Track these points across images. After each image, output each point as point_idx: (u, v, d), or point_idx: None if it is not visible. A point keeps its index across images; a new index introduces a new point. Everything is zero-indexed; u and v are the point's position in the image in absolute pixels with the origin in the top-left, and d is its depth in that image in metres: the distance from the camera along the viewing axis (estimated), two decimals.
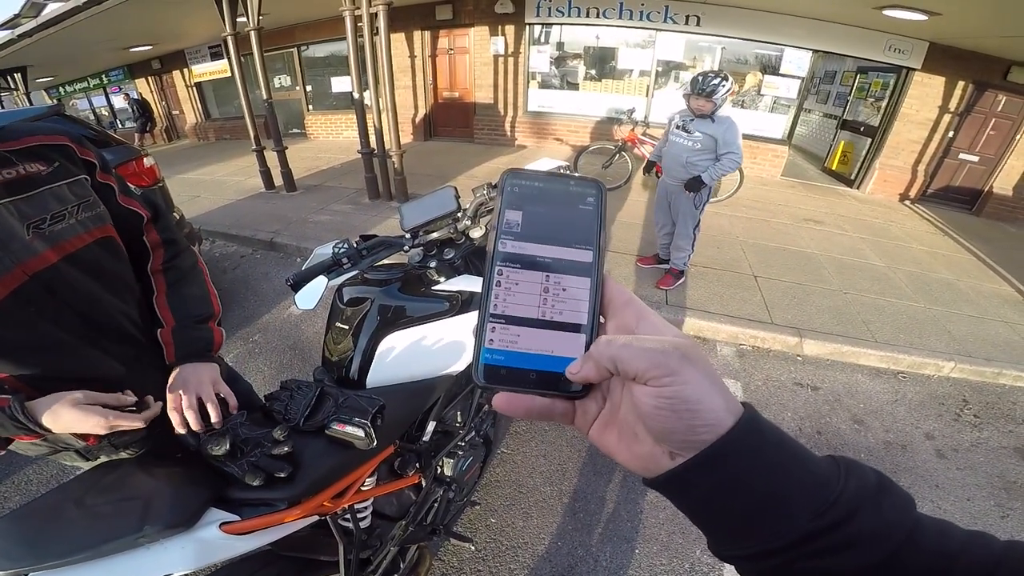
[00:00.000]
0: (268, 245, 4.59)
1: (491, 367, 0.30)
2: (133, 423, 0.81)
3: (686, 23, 6.84)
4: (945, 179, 7.33)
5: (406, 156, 5.33)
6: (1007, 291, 4.45)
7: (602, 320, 0.32)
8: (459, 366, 1.22)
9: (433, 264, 1.33)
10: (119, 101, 13.67)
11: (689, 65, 7.33)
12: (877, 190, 7.46)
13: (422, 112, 9.00)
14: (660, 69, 7.42)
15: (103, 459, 0.98)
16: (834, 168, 8.39)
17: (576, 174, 0.35)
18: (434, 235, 1.36)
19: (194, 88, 11.88)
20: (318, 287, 1.16)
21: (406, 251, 1.35)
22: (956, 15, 4.71)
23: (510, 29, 7.68)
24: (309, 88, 10.10)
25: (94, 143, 1.00)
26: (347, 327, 1.19)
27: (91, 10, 6.01)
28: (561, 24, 7.55)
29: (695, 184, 3.19)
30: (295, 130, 10.73)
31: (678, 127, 3.23)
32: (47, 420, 0.77)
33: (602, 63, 7.78)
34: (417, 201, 1.45)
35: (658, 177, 3.65)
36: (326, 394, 1.01)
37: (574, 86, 8.01)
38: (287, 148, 5.96)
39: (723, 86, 2.95)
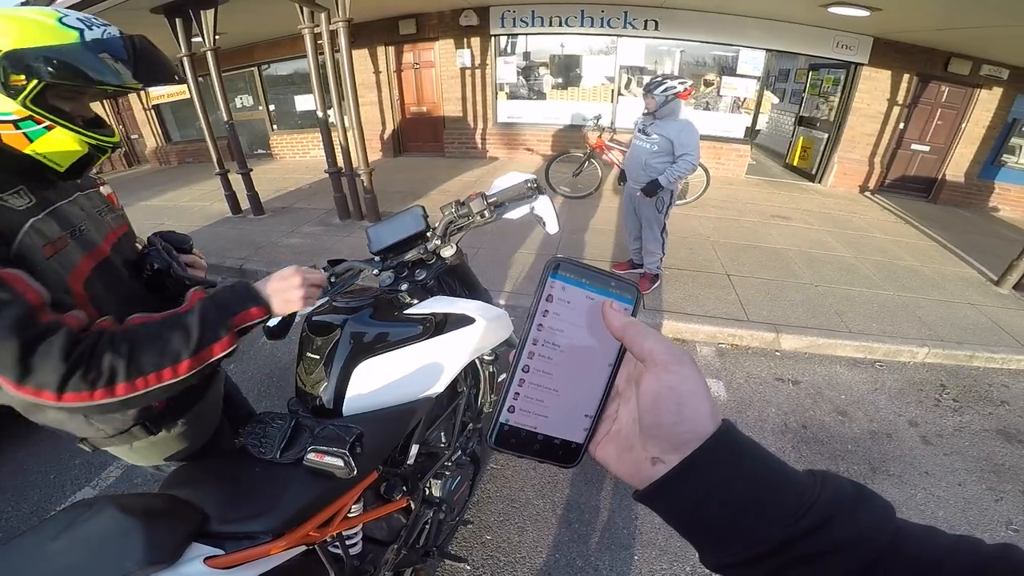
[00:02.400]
0: (238, 272, 4.44)
1: (504, 435, 0.33)
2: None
3: (645, 28, 6.98)
4: (900, 169, 7.65)
5: (376, 174, 5.27)
6: (970, 273, 4.65)
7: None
8: (438, 387, 1.19)
9: (404, 287, 1.30)
10: None
11: (651, 69, 7.45)
12: (838, 183, 7.71)
13: (390, 128, 8.90)
14: (623, 74, 7.53)
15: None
16: (795, 164, 8.66)
17: (618, 274, 0.36)
18: (404, 257, 1.34)
19: (152, 111, 11.53)
20: (288, 318, 1.14)
21: (376, 275, 1.32)
22: (895, 10, 4.93)
23: (476, 41, 7.70)
24: (272, 108, 9.89)
25: None
26: (318, 357, 1.15)
27: None
28: (526, 34, 7.59)
29: (652, 188, 3.24)
30: (260, 151, 10.48)
31: (639, 131, 3.31)
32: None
33: (568, 71, 7.84)
34: (384, 222, 1.42)
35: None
36: (301, 425, 1.00)
37: (542, 95, 8.05)
38: (252, 170, 5.81)
39: (665, 83, 3.06)
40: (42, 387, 0.75)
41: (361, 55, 8.29)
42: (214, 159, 5.78)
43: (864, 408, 2.80)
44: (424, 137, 8.85)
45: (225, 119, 5.52)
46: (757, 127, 7.88)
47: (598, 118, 5.97)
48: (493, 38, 7.64)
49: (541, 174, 5.92)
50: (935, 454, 2.51)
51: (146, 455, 1.11)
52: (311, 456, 0.92)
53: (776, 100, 7.53)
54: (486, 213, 1.35)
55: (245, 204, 5.90)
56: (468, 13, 7.37)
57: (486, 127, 8.34)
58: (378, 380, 1.13)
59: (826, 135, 7.73)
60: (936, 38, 6.04)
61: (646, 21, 6.92)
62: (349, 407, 1.12)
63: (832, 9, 5.16)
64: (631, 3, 6.76)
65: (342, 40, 4.43)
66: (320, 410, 1.14)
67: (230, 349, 0.91)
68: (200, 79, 5.42)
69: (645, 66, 7.42)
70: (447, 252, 1.37)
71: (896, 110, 7.17)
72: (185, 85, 5.32)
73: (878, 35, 6.51)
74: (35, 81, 0.80)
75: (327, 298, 1.22)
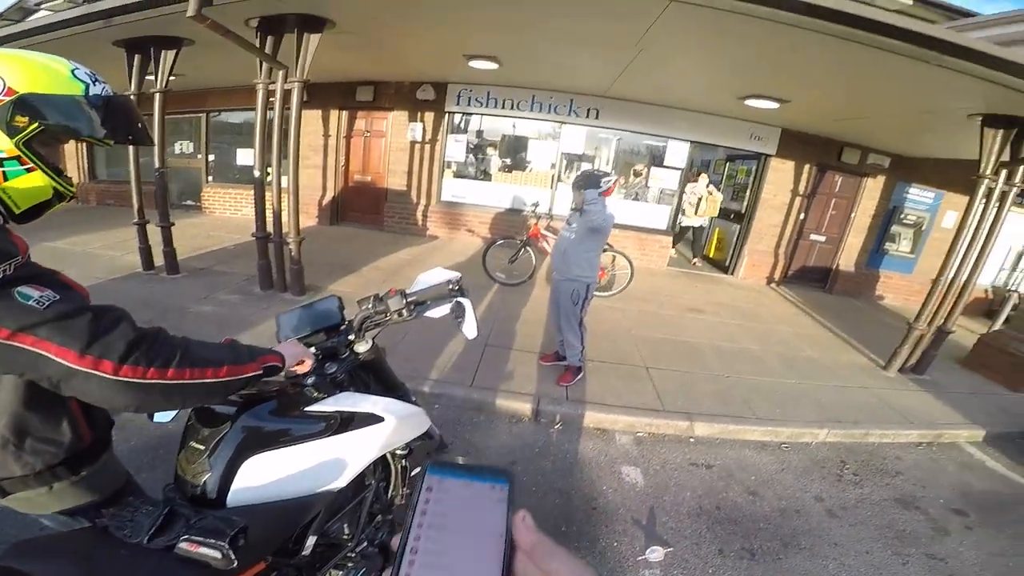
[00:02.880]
0: None
1: None
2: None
3: (587, 116, 7.48)
4: (801, 260, 8.42)
5: (309, 241, 5.15)
6: (861, 360, 5.15)
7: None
8: (340, 483, 1.15)
9: (311, 381, 1.25)
10: None
11: (590, 155, 7.95)
12: (748, 275, 8.32)
13: (331, 194, 8.74)
14: (564, 161, 7.92)
15: None
16: (711, 256, 9.19)
17: (489, 466, 0.39)
18: (313, 349, 1.30)
19: (82, 144, 10.80)
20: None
21: None
22: (802, 102, 5.59)
23: (429, 116, 7.88)
24: (212, 157, 9.52)
25: None
26: (203, 447, 1.09)
27: None
28: (481, 114, 7.86)
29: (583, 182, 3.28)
30: (190, 202, 9.96)
31: (567, 222, 3.48)
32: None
33: (515, 154, 8.13)
34: (296, 310, 1.40)
35: None
36: (177, 513, 0.95)
37: (488, 176, 8.22)
38: (174, 224, 5.51)
39: (588, 185, 3.20)
40: (105, 355, 0.83)
41: (313, 115, 8.30)
42: (135, 207, 5.45)
43: (773, 487, 2.97)
44: (365, 208, 8.74)
45: (156, 165, 5.25)
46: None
47: (536, 205, 6.17)
48: (447, 115, 7.88)
49: (478, 258, 6.02)
50: (841, 525, 2.71)
51: (58, 499, 1.07)
52: (184, 545, 0.88)
53: (721, 196, 8.25)
54: (404, 312, 1.36)
55: (160, 260, 5.53)
56: (426, 87, 7.63)
57: (429, 204, 8.36)
58: (270, 475, 1.08)
59: (738, 226, 8.40)
60: (832, 128, 6.86)
61: (588, 109, 7.43)
62: (235, 499, 1.06)
63: (749, 101, 5.78)
64: (577, 91, 7.29)
65: (294, 100, 4.45)
66: (200, 499, 1.07)
67: (258, 372, 1.05)
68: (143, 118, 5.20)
69: (585, 152, 7.87)
70: (361, 348, 1.36)
71: (798, 200, 7.93)
72: None
73: (785, 126, 7.30)
74: (36, 124, 0.86)
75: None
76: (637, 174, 7.97)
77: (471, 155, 8.24)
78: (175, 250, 5.51)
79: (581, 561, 0.33)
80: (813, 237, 8.28)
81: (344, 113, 8.37)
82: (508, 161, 8.22)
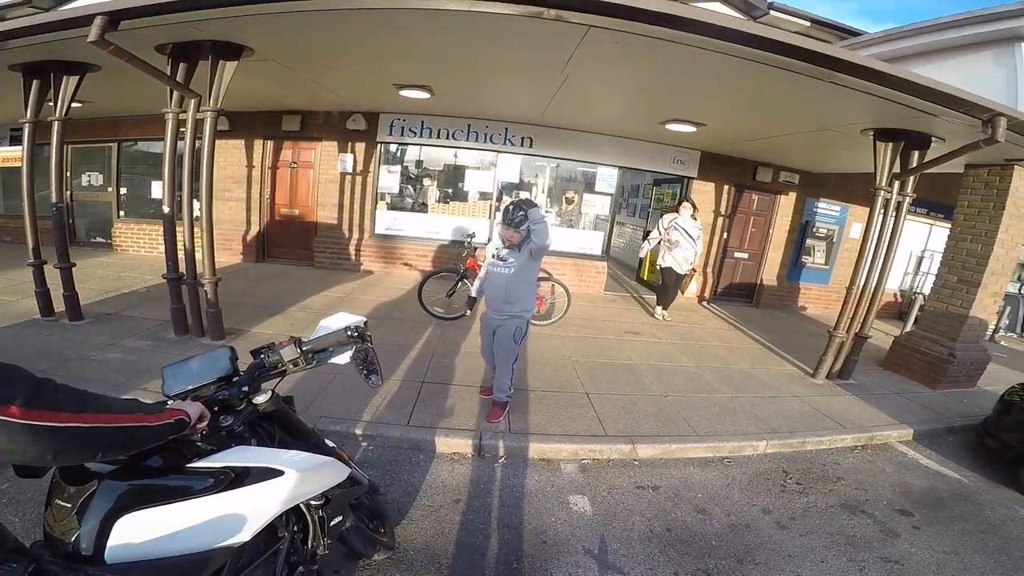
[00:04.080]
0: None
1: None
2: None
3: (522, 144, 7.59)
4: (728, 277, 8.88)
5: (231, 280, 4.81)
6: (791, 370, 5.41)
7: None
8: (241, 537, 1.10)
9: (196, 437, 1.18)
10: None
11: (529, 183, 8.07)
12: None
13: (255, 229, 8.28)
14: (501, 190, 7.96)
15: None
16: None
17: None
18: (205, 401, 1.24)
19: None
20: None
21: None
22: (715, 124, 5.91)
23: (361, 146, 7.71)
24: (124, 190, 8.78)
25: None
26: (69, 506, 0.99)
27: None
28: (416, 144, 7.79)
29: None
30: (99, 239, 9.12)
31: (494, 256, 3.29)
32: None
33: (452, 184, 8.10)
34: (184, 362, 1.30)
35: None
36: (45, 571, 0.87)
37: (424, 208, 8.10)
38: (75, 265, 4.96)
39: (529, 215, 3.04)
40: (10, 400, 0.77)
41: (235, 145, 7.93)
42: (29, 247, 4.87)
43: (720, 503, 2.98)
44: (293, 243, 8.33)
45: (54, 201, 4.74)
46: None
47: (472, 235, 6.13)
48: (380, 145, 7.75)
49: (415, 293, 5.86)
50: (792, 536, 2.73)
51: None
52: None
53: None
54: (300, 362, 1.32)
55: (60, 305, 4.95)
56: (357, 117, 7.46)
57: (363, 237, 8.11)
58: (151, 532, 1.00)
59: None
60: (746, 149, 7.31)
61: (523, 138, 7.54)
62: (113, 556, 0.97)
63: (669, 125, 6.06)
64: (511, 120, 7.39)
65: (207, 130, 4.17)
66: (74, 556, 0.97)
67: (168, 422, 1.03)
68: (41, 148, 4.81)
69: (522, 180, 7.98)
70: (259, 399, 1.29)
71: (720, 220, 8.39)
72: (20, 150, 4.57)
73: (704, 149, 7.73)
74: None
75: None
76: (569, 201, 8.15)
77: (407, 186, 8.12)
78: (77, 294, 4.95)
79: None
80: (737, 255, 8.76)
81: (269, 143, 8.04)
82: (446, 191, 8.18)
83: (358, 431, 3.23)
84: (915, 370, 5.51)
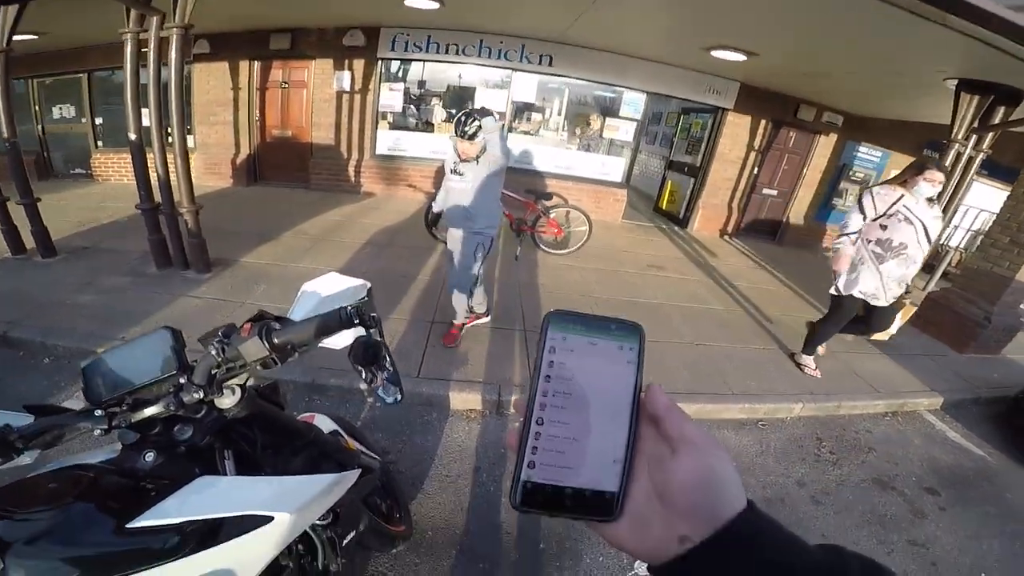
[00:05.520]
0: (0, 341, 3.27)
1: (529, 494, 0.33)
2: None
3: (540, 63, 6.86)
4: (753, 213, 8.43)
5: (220, 205, 4.40)
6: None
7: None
8: None
9: (149, 457, 0.85)
10: None
11: (539, 106, 7.39)
12: (701, 227, 8.23)
13: (245, 152, 7.73)
14: (515, 110, 7.35)
15: None
16: (664, 208, 9.12)
17: (616, 319, 0.36)
18: (150, 410, 0.85)
19: None
20: None
21: (99, 435, 0.85)
22: (771, 56, 5.24)
23: (359, 64, 7.01)
24: (99, 121, 8.21)
25: None
26: None
27: None
28: (421, 60, 7.09)
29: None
30: (79, 170, 8.60)
31: (451, 171, 3.00)
32: None
33: (461, 103, 7.43)
34: (114, 351, 0.94)
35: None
36: None
37: (429, 127, 7.53)
38: (40, 200, 4.47)
39: (484, 125, 2.77)
40: None
41: (219, 68, 7.21)
42: None
43: (755, 474, 2.79)
44: (287, 165, 7.78)
45: (5, 135, 4.21)
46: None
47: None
48: (380, 62, 7.03)
49: (420, 217, 5.39)
50: (827, 514, 2.57)
51: None
52: None
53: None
54: (272, 361, 0.88)
55: (31, 242, 4.53)
56: (355, 32, 6.67)
57: (362, 158, 7.57)
58: None
59: (693, 179, 8.25)
60: (792, 84, 6.62)
61: (541, 56, 6.81)
62: None
63: (715, 53, 5.36)
64: (530, 36, 6.64)
65: (173, 50, 3.61)
66: None
67: None
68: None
69: (535, 102, 7.33)
70: (225, 402, 0.90)
71: (752, 155, 7.86)
72: None
73: (745, 80, 7.04)
74: None
75: None
76: (589, 124, 7.50)
77: (411, 105, 7.46)
78: (46, 229, 4.50)
79: (709, 435, 0.33)
80: (765, 191, 8.30)
81: (256, 64, 7.31)
82: (453, 111, 7.48)
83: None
84: (944, 330, 5.10)
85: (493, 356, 3.31)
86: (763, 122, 7.61)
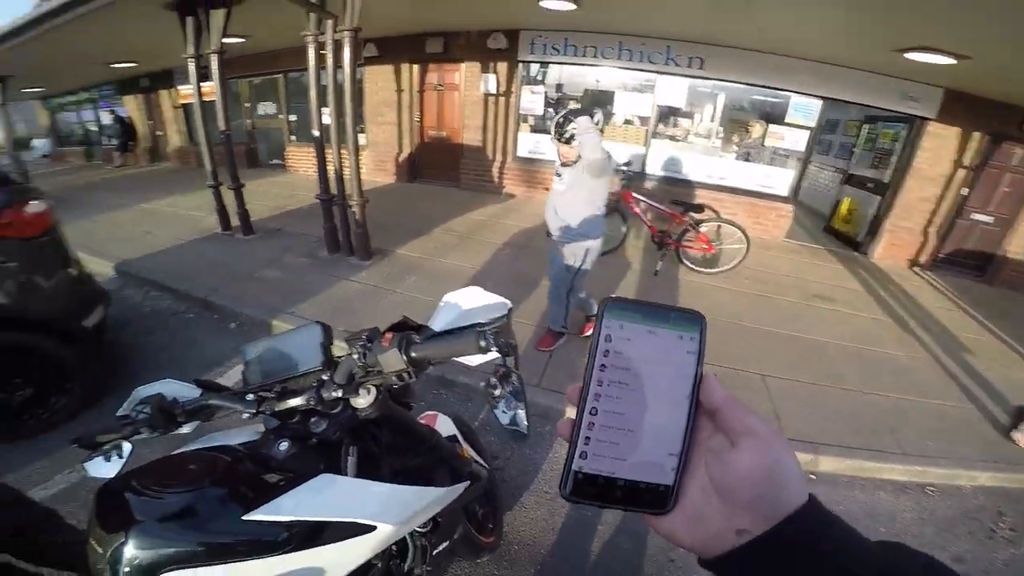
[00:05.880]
0: (203, 304, 4.01)
1: (580, 484, 0.32)
2: None
3: (689, 65, 6.42)
4: (956, 242, 6.82)
5: (383, 200, 4.89)
6: None
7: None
8: None
9: (284, 446, 0.92)
10: (106, 117, 13.36)
11: (688, 111, 6.91)
12: (885, 255, 6.91)
13: (407, 151, 8.51)
14: (659, 115, 6.97)
15: None
16: (838, 228, 7.83)
17: (676, 308, 0.34)
18: (293, 401, 0.92)
19: (180, 109, 11.52)
20: (124, 452, 0.93)
21: (247, 419, 0.95)
22: (987, 57, 4.25)
23: (502, 66, 7.26)
24: (293, 118, 9.70)
25: None
26: (101, 552, 0.79)
27: (50, 22, 5.48)
28: (558, 63, 7.11)
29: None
30: (275, 161, 10.29)
31: (555, 175, 2.95)
32: None
33: (601, 107, 7.18)
34: (270, 340, 1.03)
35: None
36: None
37: None
38: (244, 185, 5.43)
39: (578, 124, 2.63)
40: None
41: (384, 70, 8.03)
42: (208, 170, 5.44)
43: (907, 542, 2.23)
44: (441, 164, 8.37)
45: (221, 128, 5.14)
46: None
47: (627, 165, 5.20)
48: (521, 64, 7.21)
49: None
50: None
51: None
52: None
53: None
54: (407, 375, 0.90)
55: (236, 221, 5.51)
56: (497, 36, 6.95)
57: (505, 160, 7.84)
58: None
59: (879, 198, 6.96)
60: (1017, 91, 5.26)
61: (690, 58, 6.36)
62: None
63: (911, 55, 4.50)
64: (675, 38, 6.24)
65: (346, 52, 4.03)
66: None
67: None
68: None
69: (683, 107, 6.87)
70: (360, 402, 0.95)
71: (961, 173, 6.38)
72: (212, 84, 5.01)
73: (951, 86, 5.78)
74: None
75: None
76: (748, 132, 6.76)
77: (550, 108, 7.50)
78: (247, 212, 5.46)
79: (771, 427, 0.32)
80: (976, 216, 6.63)
81: (415, 67, 7.99)
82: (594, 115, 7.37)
83: (482, 383, 2.95)
84: None
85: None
86: (976, 135, 6.14)
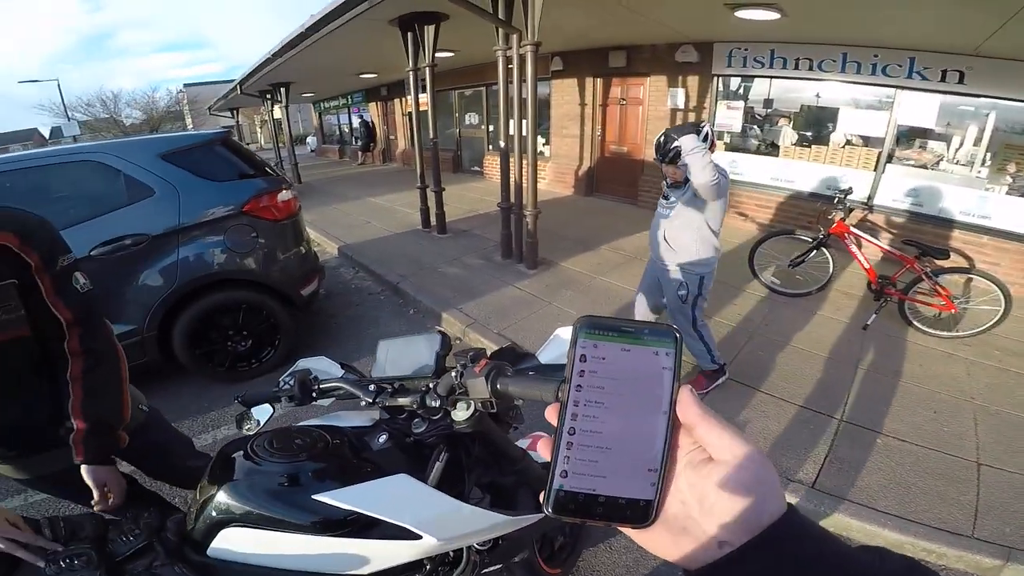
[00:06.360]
0: (393, 289, 4.69)
1: (561, 501, 0.33)
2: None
3: (943, 79, 5.07)
4: None
5: (558, 211, 5.07)
6: None
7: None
8: (361, 572, 0.97)
9: (382, 439, 1.07)
10: (355, 121, 16.61)
11: (941, 133, 5.51)
12: None
13: (587, 165, 8.56)
14: (898, 136, 5.67)
15: None
16: None
17: (650, 324, 0.34)
18: (402, 400, 1.03)
19: (407, 116, 13.62)
20: (264, 413, 1.11)
21: (364, 406, 1.08)
22: None
23: (693, 80, 6.76)
24: (491, 128, 10.60)
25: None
26: (200, 498, 1.00)
27: (312, 37, 6.65)
28: (764, 77, 6.35)
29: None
30: (476, 168, 11.42)
31: (663, 197, 2.80)
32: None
33: (818, 124, 6.29)
34: (398, 341, 1.16)
35: None
36: (152, 548, 0.94)
37: (774, 150, 6.59)
38: (444, 189, 6.18)
39: (682, 145, 2.38)
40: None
41: (568, 84, 8.23)
42: (417, 173, 6.31)
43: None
44: (619, 180, 8.19)
45: (431, 136, 5.91)
46: None
47: (847, 191, 4.30)
48: (716, 78, 6.62)
49: (746, 251, 4.67)
50: None
51: (14, 469, 1.28)
52: None
53: None
54: (490, 404, 0.91)
55: (434, 221, 6.32)
56: (687, 48, 6.50)
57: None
58: (254, 547, 0.95)
59: None
60: None
61: (944, 72, 5.03)
62: (215, 552, 0.96)
63: None
64: (921, 48, 5.03)
65: (528, 65, 4.25)
66: (189, 537, 0.99)
67: None
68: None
69: (933, 128, 5.47)
70: (459, 415, 0.99)
71: None
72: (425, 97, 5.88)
73: None
74: None
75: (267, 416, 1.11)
76: None
77: (754, 126, 6.75)
78: (444, 213, 6.20)
79: (749, 441, 0.32)
80: None
81: (598, 81, 7.94)
82: (807, 134, 6.39)
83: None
84: None
85: (782, 441, 2.67)
86: None
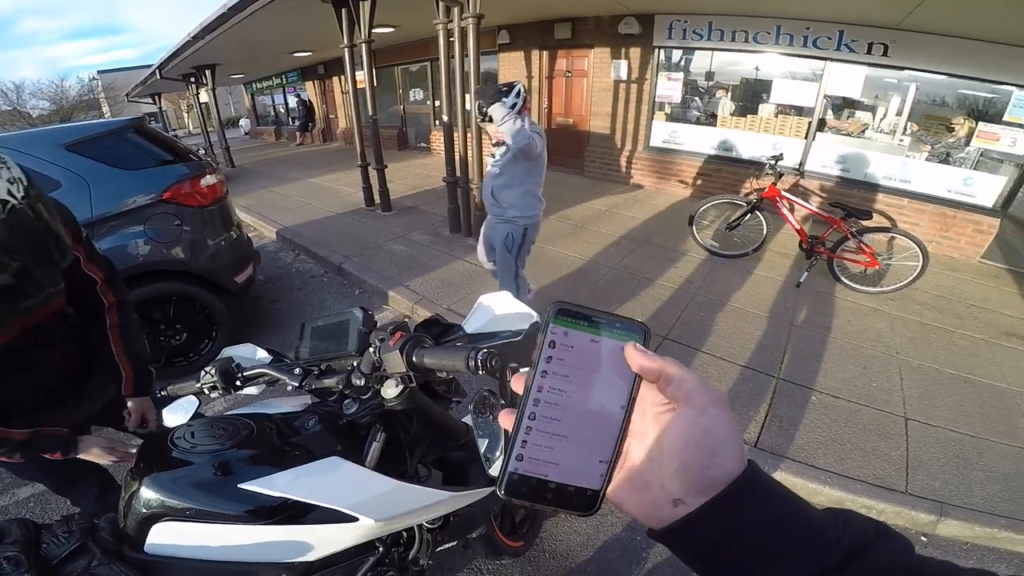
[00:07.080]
0: (336, 270, 4.49)
1: (513, 484, 0.33)
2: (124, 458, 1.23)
3: (868, 52, 5.37)
4: None
5: None
6: None
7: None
8: (307, 558, 0.94)
9: (311, 423, 1.02)
10: (292, 101, 15.73)
11: (867, 104, 5.83)
12: None
13: None
14: (828, 105, 5.98)
15: None
16: None
17: (622, 318, 0.34)
18: (328, 381, 0.98)
19: (347, 95, 13.03)
20: (190, 405, 1.07)
21: (291, 391, 1.04)
22: None
23: (635, 52, 6.83)
24: (438, 103, 10.32)
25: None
26: (124, 493, 0.95)
27: (235, 17, 6.42)
28: (705, 49, 6.48)
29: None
30: (422, 144, 11.11)
31: (491, 155, 2.94)
32: (82, 450, 1.21)
33: (754, 96, 6.50)
34: (321, 321, 1.10)
35: None
36: (87, 549, 0.89)
37: (711, 120, 6.82)
38: (387, 166, 5.94)
39: (494, 114, 2.50)
40: None
41: (516, 58, 8.15)
42: (358, 151, 6.04)
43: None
44: (565, 151, 8.21)
45: (371, 114, 5.67)
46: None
47: (778, 157, 4.49)
48: (657, 50, 6.70)
49: (685, 216, 4.83)
50: None
51: None
52: None
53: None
54: (408, 378, 0.88)
55: (378, 198, 6.08)
56: (629, 20, 6.53)
57: (635, 149, 7.40)
58: (189, 540, 0.90)
59: None
60: None
61: (870, 44, 5.32)
62: (152, 549, 0.90)
63: None
64: (848, 21, 5.27)
65: (470, 38, 4.16)
66: (124, 535, 0.93)
67: (23, 439, 1.14)
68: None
69: (860, 99, 5.79)
70: (388, 392, 0.93)
71: None
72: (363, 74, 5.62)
73: None
74: None
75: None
76: (951, 129, 5.44)
77: (695, 97, 6.90)
78: (388, 190, 5.99)
79: (712, 387, 0.32)
80: None
81: (544, 53, 7.92)
82: (743, 104, 6.60)
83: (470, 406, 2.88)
84: None
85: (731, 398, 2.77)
86: None
